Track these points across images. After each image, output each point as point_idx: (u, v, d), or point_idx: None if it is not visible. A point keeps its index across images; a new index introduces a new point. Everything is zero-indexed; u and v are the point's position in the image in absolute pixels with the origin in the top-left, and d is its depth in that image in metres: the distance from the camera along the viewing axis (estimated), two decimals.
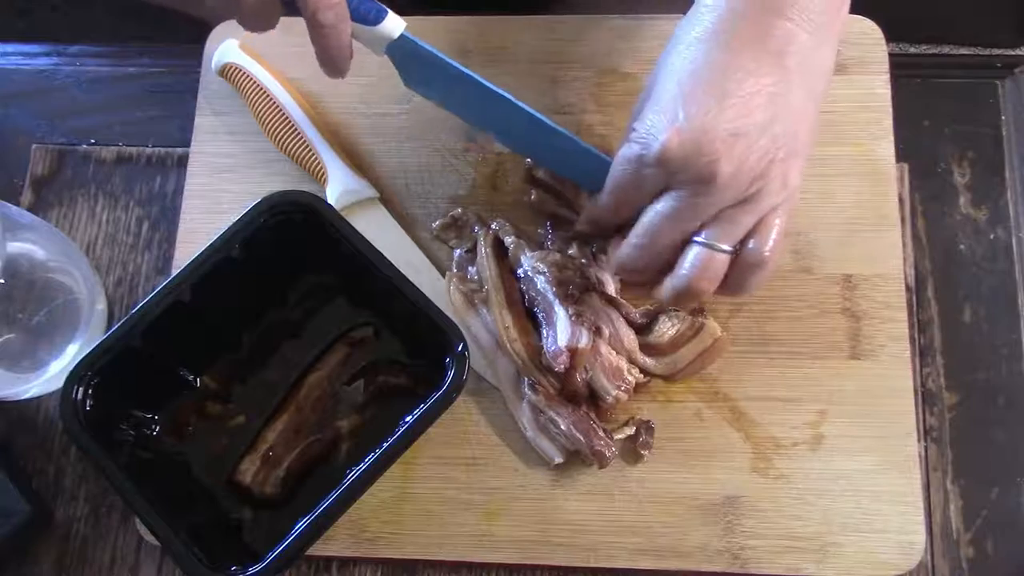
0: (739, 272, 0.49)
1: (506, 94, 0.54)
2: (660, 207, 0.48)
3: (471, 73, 0.54)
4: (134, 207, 0.66)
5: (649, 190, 0.49)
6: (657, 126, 0.47)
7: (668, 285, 0.49)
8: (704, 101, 0.46)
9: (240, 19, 0.50)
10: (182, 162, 0.65)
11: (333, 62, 0.52)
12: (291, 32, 0.55)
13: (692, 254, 0.48)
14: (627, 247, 0.50)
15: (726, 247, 0.48)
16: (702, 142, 0.45)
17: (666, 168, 0.47)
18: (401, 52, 0.54)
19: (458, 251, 0.61)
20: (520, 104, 0.54)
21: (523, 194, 0.61)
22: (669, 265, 0.49)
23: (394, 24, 0.53)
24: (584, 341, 0.55)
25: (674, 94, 0.47)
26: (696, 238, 0.48)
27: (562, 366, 0.55)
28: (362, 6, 0.52)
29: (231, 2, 0.49)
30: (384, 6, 0.52)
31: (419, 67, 0.55)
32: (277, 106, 0.62)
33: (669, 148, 0.46)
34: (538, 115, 0.54)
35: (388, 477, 0.52)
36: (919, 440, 0.58)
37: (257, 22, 0.51)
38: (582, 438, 0.55)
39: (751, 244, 0.48)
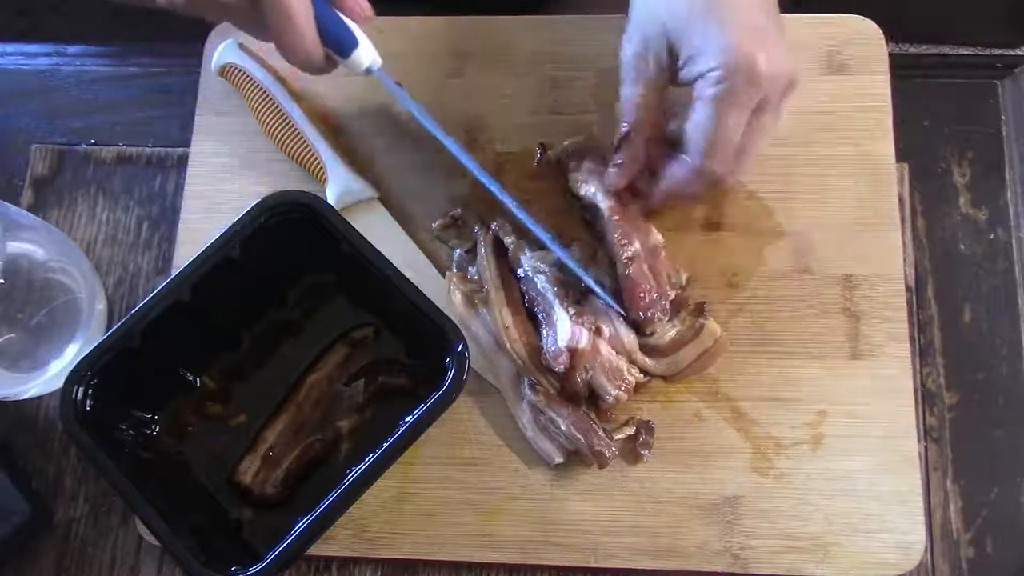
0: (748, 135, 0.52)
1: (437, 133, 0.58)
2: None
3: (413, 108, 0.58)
4: (134, 207, 0.66)
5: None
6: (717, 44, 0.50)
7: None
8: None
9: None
10: (182, 162, 0.65)
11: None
12: None
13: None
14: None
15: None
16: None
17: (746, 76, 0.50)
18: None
19: (458, 251, 0.61)
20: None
21: (523, 194, 0.61)
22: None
23: (364, 58, 0.54)
24: (584, 341, 0.55)
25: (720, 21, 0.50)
26: None
27: (562, 366, 0.55)
28: (338, 33, 0.52)
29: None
30: (357, 37, 0.53)
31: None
32: (277, 106, 0.62)
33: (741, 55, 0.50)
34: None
35: (388, 477, 0.52)
36: (919, 440, 0.58)
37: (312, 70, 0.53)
38: (582, 438, 0.55)
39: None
